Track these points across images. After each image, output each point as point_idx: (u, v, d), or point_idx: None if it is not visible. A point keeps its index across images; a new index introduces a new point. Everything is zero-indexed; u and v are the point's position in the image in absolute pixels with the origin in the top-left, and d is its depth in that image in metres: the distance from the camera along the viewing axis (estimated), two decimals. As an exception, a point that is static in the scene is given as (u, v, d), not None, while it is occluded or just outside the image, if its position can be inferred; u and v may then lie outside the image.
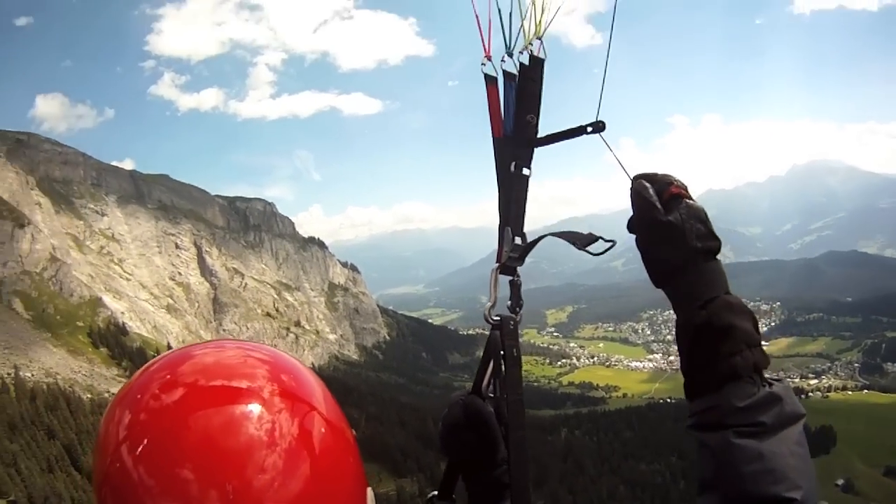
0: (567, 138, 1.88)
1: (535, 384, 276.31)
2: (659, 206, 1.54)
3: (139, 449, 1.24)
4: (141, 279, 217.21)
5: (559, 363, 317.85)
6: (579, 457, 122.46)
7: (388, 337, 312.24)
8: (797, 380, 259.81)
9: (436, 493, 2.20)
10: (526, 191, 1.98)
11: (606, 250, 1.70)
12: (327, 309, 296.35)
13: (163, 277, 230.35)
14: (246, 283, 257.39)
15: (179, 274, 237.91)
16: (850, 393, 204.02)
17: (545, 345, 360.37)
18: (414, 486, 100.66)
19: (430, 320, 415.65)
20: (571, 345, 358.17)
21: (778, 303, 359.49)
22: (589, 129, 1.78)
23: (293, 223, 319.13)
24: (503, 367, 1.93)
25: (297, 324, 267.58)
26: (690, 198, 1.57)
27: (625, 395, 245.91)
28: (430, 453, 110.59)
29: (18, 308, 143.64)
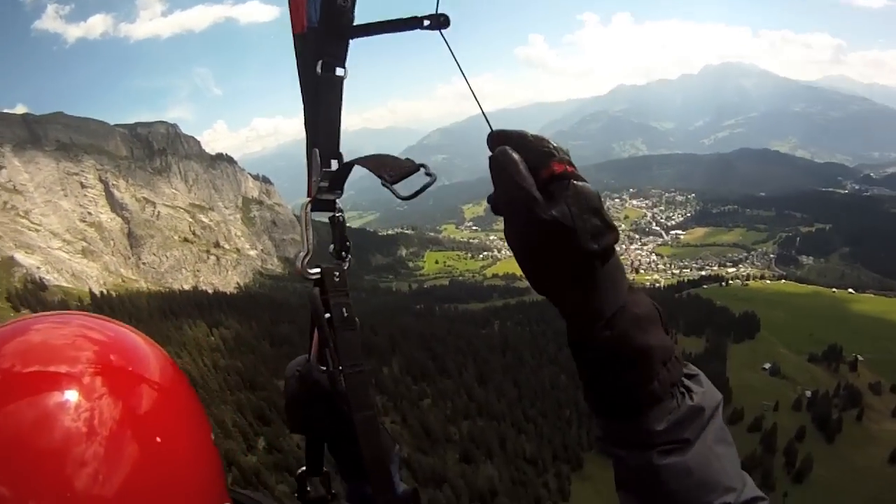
0: (393, 31, 1.52)
1: (461, 278, 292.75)
2: (538, 195, 1.15)
3: None
4: (51, 227, 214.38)
5: (481, 256, 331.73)
6: (517, 349, 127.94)
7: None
8: (716, 268, 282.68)
9: (304, 469, 1.99)
10: (340, 98, 1.63)
11: (422, 189, 1.40)
12: (244, 225, 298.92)
13: (73, 221, 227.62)
14: (159, 212, 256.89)
15: (89, 214, 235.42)
16: (768, 282, 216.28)
17: (465, 239, 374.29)
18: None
19: (347, 224, 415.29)
20: (491, 237, 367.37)
21: (693, 194, 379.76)
22: (426, 22, 1.45)
23: (199, 142, 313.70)
24: (332, 332, 1.67)
25: (217, 245, 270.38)
26: (577, 175, 1.18)
27: None
28: (370, 361, 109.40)
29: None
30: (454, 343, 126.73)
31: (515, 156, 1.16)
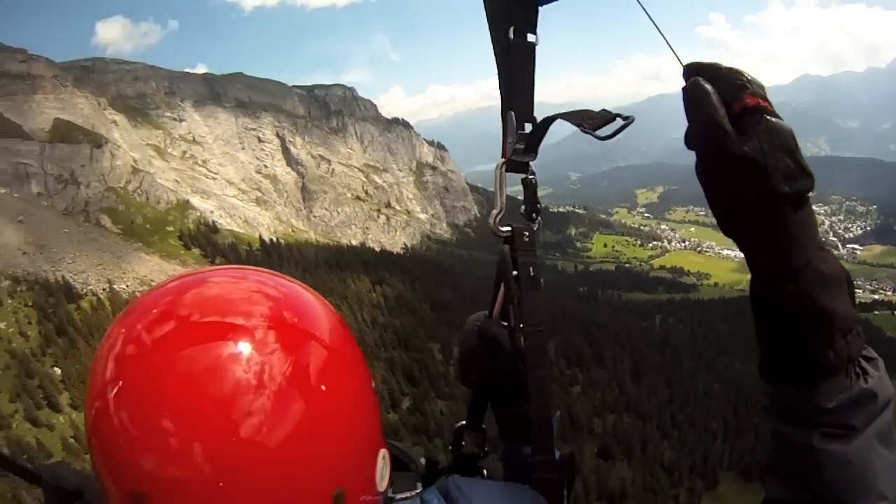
0: None
1: (627, 265, 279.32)
2: (729, 128, 1.07)
3: (122, 391, 1.18)
4: (227, 176, 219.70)
5: (650, 245, 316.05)
6: (676, 348, 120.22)
7: (478, 214, 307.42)
8: (889, 292, 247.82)
9: (464, 423, 2.03)
10: (532, 63, 1.62)
11: (620, 130, 1.37)
12: (417, 189, 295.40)
13: (249, 172, 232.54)
14: (333, 169, 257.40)
15: (265, 166, 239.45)
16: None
17: (636, 225, 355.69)
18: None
19: (518, 197, 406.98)
20: (662, 227, 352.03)
21: (875, 206, 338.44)
22: None
23: (375, 105, 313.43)
24: (517, 290, 1.68)
25: (388, 205, 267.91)
26: (772, 110, 1.09)
27: (716, 285, 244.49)
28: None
29: (107, 224, 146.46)
30: (614, 332, 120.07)
31: (708, 87, 1.09)
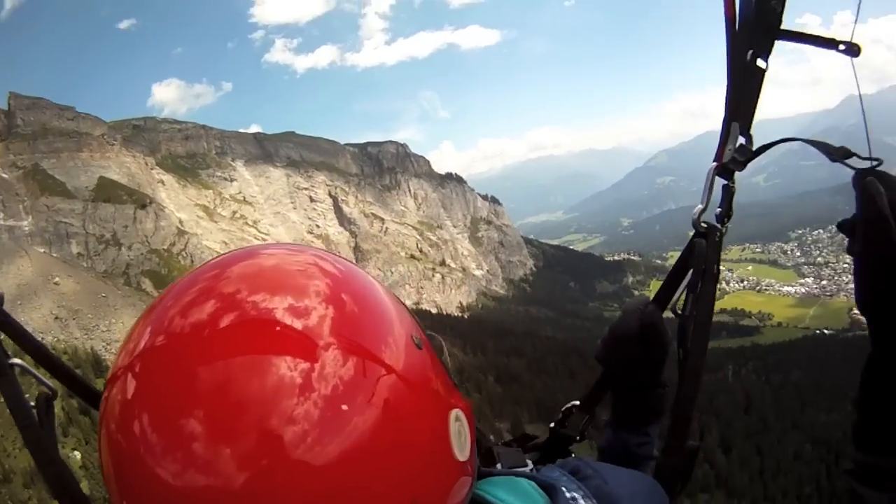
0: (812, 44, 1.67)
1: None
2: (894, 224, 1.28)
3: (144, 391, 1.01)
4: (278, 237, 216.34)
5: None
6: (761, 409, 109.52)
7: (534, 268, 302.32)
8: None
9: (576, 402, 2.08)
10: (760, 85, 1.76)
11: (872, 168, 1.40)
12: (472, 245, 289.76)
13: (300, 233, 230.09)
14: (387, 228, 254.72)
15: (317, 226, 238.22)
16: None
17: None
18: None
19: (571, 247, 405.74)
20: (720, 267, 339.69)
21: None
22: (841, 46, 1.60)
23: (428, 161, 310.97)
24: (700, 282, 1.77)
25: (443, 263, 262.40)
26: None
27: (779, 324, 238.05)
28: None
29: (148, 288, 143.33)
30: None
31: (879, 184, 1.31)
